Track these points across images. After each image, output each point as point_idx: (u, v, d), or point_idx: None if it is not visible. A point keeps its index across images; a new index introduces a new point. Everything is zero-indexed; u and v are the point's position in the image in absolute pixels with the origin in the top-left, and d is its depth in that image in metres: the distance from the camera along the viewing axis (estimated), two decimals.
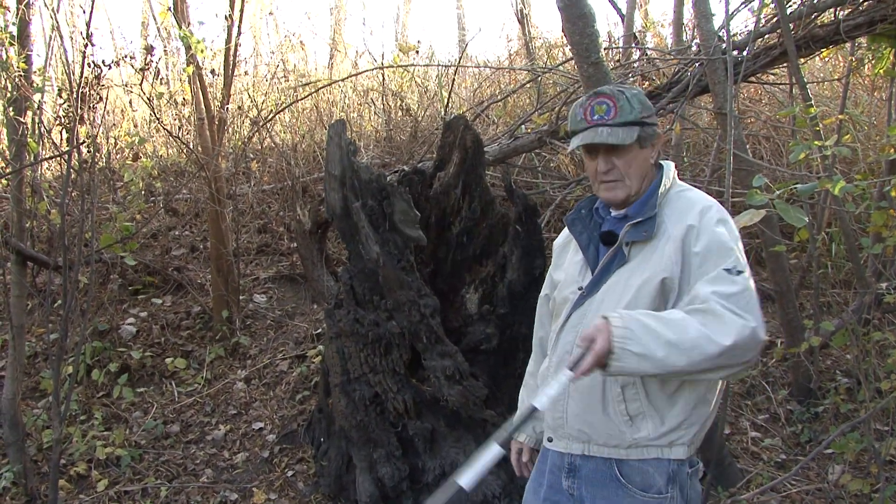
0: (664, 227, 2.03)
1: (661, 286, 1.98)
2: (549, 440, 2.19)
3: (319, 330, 5.47)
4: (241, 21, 5.64)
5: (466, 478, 1.80)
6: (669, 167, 2.16)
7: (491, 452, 1.84)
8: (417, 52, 9.20)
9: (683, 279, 1.97)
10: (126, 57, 5.34)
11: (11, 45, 4.23)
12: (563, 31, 4.07)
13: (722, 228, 1.97)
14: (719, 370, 1.84)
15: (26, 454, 4.18)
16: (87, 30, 3.95)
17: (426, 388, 3.83)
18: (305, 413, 4.70)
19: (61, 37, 4.87)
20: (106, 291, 5.67)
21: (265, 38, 9.43)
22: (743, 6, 5.27)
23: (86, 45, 3.97)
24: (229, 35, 5.62)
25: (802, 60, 4.84)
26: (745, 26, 5.33)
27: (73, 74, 4.38)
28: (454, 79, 7.32)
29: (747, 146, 4.66)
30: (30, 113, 4.40)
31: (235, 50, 5.71)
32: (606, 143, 2.05)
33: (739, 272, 1.89)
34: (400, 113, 8.20)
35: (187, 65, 5.35)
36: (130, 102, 7.54)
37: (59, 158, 4.55)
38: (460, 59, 8.05)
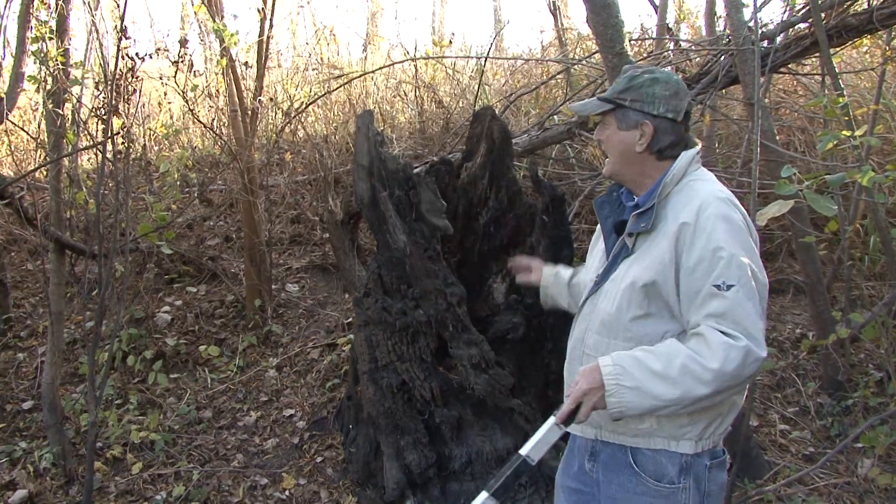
0: (666, 220, 1.98)
1: (643, 291, 1.96)
2: None
3: (350, 319, 5.51)
4: (272, 14, 5.71)
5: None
6: (685, 156, 2.06)
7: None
8: (451, 43, 9.24)
9: (672, 285, 1.94)
10: (160, 49, 5.43)
11: (51, 38, 4.32)
12: (587, 21, 4.05)
13: (719, 228, 1.90)
14: (718, 393, 1.83)
15: (65, 437, 4.30)
16: (122, 23, 4.02)
17: (453, 376, 3.86)
18: (335, 400, 4.76)
19: (97, 31, 4.97)
20: (142, 280, 5.79)
21: (300, 30, 9.51)
22: None
23: (120, 38, 4.04)
24: (262, 28, 5.69)
25: (835, 50, 4.77)
26: (782, 15, 5.27)
27: (109, 67, 4.47)
28: (483, 70, 7.33)
29: (777, 137, 4.61)
30: (68, 105, 4.50)
31: (268, 42, 5.78)
32: (571, 107, 2.10)
33: (729, 286, 1.84)
34: (433, 105, 8.21)
35: (221, 57, 5.42)
36: (165, 94, 7.65)
37: (96, 149, 4.63)
38: (489, 51, 8.03)
